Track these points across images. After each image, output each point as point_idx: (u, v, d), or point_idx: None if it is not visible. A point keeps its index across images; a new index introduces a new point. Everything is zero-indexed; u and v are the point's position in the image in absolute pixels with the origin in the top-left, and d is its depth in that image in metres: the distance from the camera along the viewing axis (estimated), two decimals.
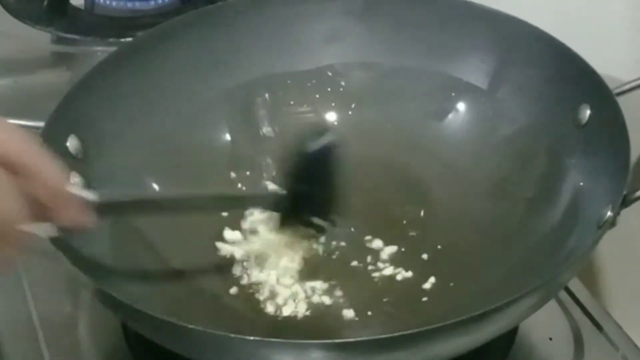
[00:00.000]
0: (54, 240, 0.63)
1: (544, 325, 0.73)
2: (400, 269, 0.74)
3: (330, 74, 0.86)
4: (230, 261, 0.75)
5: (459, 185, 0.80)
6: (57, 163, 0.56)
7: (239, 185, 0.81)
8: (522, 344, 0.72)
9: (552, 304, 0.74)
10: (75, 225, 0.58)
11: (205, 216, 0.75)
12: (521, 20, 0.80)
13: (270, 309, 0.71)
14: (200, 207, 0.73)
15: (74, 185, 0.60)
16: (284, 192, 0.75)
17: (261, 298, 0.72)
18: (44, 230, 0.59)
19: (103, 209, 0.61)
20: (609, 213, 0.66)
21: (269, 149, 0.83)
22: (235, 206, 0.77)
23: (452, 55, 0.83)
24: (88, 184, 0.72)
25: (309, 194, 0.74)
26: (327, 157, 0.75)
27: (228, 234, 0.76)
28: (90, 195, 0.59)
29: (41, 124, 0.72)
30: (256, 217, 0.77)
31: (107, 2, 1.09)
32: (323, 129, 0.79)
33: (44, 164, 0.55)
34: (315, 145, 0.74)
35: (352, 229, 0.77)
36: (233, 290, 0.73)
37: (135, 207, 0.68)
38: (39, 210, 0.55)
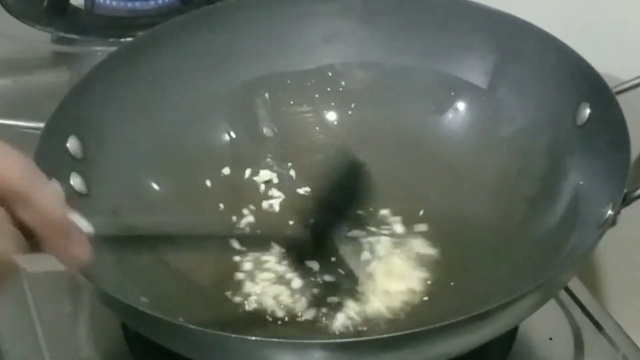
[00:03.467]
0: None
1: (544, 325, 0.73)
2: None
3: (330, 74, 0.86)
4: (232, 261, 0.75)
5: (458, 184, 0.80)
6: (53, 188, 0.51)
7: (239, 186, 0.81)
8: (522, 344, 0.72)
9: (552, 304, 0.74)
10: (69, 259, 0.52)
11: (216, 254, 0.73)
12: (521, 20, 0.80)
13: (269, 309, 0.72)
14: (211, 247, 0.68)
15: (72, 213, 0.52)
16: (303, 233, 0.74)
17: (262, 298, 0.72)
18: (38, 264, 0.52)
19: (102, 242, 0.54)
20: (610, 212, 0.66)
21: (269, 149, 0.83)
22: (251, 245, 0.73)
23: (452, 54, 0.83)
24: (88, 185, 0.72)
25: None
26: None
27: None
28: (86, 227, 0.53)
29: (41, 124, 0.72)
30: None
31: (107, 2, 1.09)
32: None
33: (38, 190, 0.49)
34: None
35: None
36: (233, 290, 0.73)
37: (137, 243, 0.61)
38: (32, 240, 0.50)
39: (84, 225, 0.53)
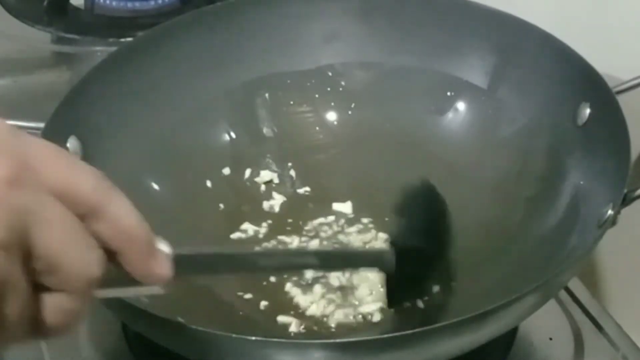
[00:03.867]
0: None
1: (544, 325, 0.73)
2: None
3: (330, 73, 0.86)
4: None
5: (458, 184, 0.80)
6: (129, 201, 0.47)
7: (239, 186, 0.81)
8: (522, 344, 0.72)
9: (552, 304, 0.74)
10: (150, 276, 0.47)
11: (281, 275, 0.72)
12: (521, 20, 0.80)
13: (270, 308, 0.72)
14: (283, 267, 0.64)
15: (148, 226, 0.47)
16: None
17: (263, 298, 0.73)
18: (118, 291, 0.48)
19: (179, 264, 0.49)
20: (610, 211, 0.66)
21: (269, 149, 0.83)
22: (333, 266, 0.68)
23: (452, 54, 0.83)
24: None
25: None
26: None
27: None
28: (165, 247, 0.48)
29: (41, 124, 0.72)
30: None
31: (107, 2, 1.09)
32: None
33: (115, 203, 0.46)
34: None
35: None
36: (234, 289, 0.73)
37: (211, 266, 0.55)
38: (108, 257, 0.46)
39: (165, 246, 0.48)
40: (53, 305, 0.44)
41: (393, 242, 0.71)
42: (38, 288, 0.43)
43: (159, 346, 0.63)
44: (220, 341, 0.59)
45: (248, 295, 0.72)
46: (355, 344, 0.59)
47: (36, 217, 0.42)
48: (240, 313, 0.71)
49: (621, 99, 0.72)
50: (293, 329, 0.70)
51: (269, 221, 0.79)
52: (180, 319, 0.62)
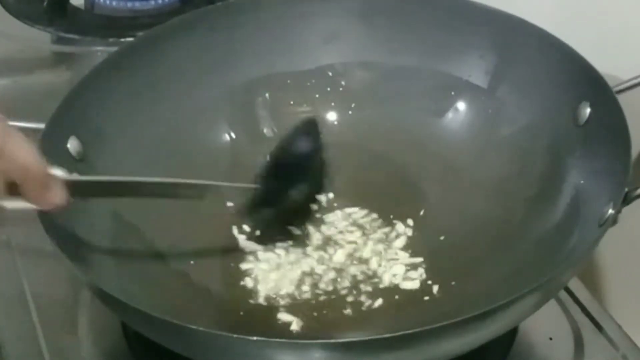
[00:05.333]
0: (53, 239, 0.63)
1: (544, 325, 0.73)
2: None
3: (330, 73, 0.86)
4: (233, 260, 0.75)
5: (459, 184, 0.80)
6: (26, 140, 0.57)
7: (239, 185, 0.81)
8: (522, 344, 0.72)
9: (552, 304, 0.74)
10: (46, 204, 0.60)
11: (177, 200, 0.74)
12: (521, 19, 0.80)
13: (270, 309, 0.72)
14: (171, 193, 0.72)
15: (43, 162, 0.59)
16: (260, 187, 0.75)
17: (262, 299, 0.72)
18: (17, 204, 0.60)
19: (73, 187, 0.62)
20: (610, 211, 0.66)
21: (269, 149, 0.83)
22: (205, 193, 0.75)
23: (452, 54, 0.83)
24: None
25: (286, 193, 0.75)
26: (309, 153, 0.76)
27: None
28: (58, 172, 0.60)
29: (41, 125, 0.72)
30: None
31: (107, 2, 1.09)
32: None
33: (14, 143, 0.56)
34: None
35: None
36: (235, 289, 0.73)
37: (105, 188, 0.68)
38: (10, 188, 0.58)
39: (59, 172, 0.60)
40: None
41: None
42: None
43: (159, 346, 0.63)
44: (221, 341, 0.59)
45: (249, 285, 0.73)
46: (356, 344, 0.59)
47: None
48: (241, 313, 0.71)
49: (621, 99, 0.72)
50: (295, 327, 0.70)
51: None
52: (180, 319, 0.61)
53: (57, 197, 0.60)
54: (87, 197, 0.68)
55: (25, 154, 0.57)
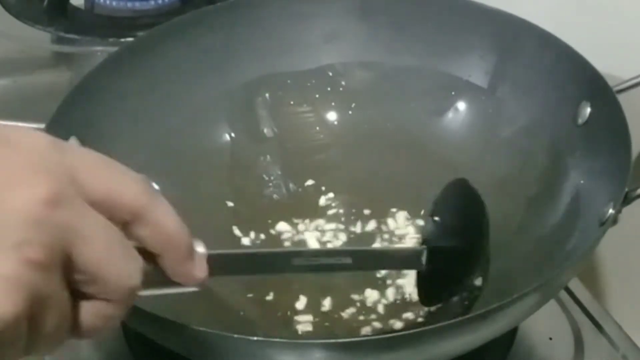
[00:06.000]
0: None
1: (544, 325, 0.73)
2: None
3: (330, 73, 0.86)
4: None
5: None
6: (170, 206, 0.48)
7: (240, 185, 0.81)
8: (522, 344, 0.72)
9: (552, 304, 0.74)
10: (189, 279, 0.49)
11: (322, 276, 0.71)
12: (521, 19, 0.80)
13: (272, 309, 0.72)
14: (316, 267, 0.61)
15: (189, 232, 0.49)
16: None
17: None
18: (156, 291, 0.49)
19: (214, 263, 0.51)
20: (611, 210, 0.66)
21: (269, 149, 0.83)
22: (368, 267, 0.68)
23: (452, 54, 0.83)
24: None
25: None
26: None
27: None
28: (200, 247, 0.50)
29: (41, 125, 0.72)
30: None
31: (107, 2, 1.09)
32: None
33: (157, 208, 0.47)
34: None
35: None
36: (234, 289, 0.73)
37: (244, 265, 0.57)
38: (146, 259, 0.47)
39: (200, 246, 0.50)
40: (92, 311, 0.44)
41: (425, 241, 0.71)
42: (78, 294, 0.44)
43: (159, 346, 0.63)
44: (221, 341, 0.59)
45: (250, 294, 0.73)
46: (356, 344, 0.59)
47: (77, 234, 0.42)
48: (241, 313, 0.71)
49: (622, 98, 0.72)
50: (300, 327, 0.70)
51: (269, 221, 0.79)
52: (180, 319, 0.61)
53: (200, 270, 0.49)
54: (228, 274, 0.56)
55: (171, 220, 0.47)
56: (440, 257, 0.66)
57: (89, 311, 0.44)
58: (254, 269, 0.58)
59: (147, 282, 0.47)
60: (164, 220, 0.47)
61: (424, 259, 0.66)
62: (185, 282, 0.49)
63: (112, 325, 0.46)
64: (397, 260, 0.68)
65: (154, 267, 0.48)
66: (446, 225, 0.69)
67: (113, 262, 0.44)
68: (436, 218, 0.70)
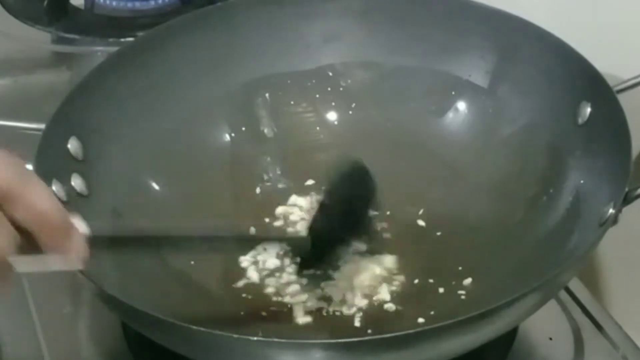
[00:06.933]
0: None
1: (544, 325, 0.73)
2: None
3: (330, 73, 0.86)
4: (233, 260, 0.75)
5: (458, 184, 0.80)
6: (46, 186, 0.52)
7: (239, 186, 0.81)
8: (522, 344, 0.72)
9: (552, 304, 0.74)
10: (66, 257, 0.53)
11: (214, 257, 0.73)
12: (521, 19, 0.80)
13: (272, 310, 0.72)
14: (208, 248, 0.66)
15: (71, 215, 0.53)
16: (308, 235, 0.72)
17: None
18: (34, 264, 0.53)
19: (98, 243, 0.55)
20: (611, 210, 0.66)
21: (269, 149, 0.83)
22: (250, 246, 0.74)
23: (452, 54, 0.83)
24: (89, 186, 0.72)
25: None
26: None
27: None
28: (84, 228, 0.54)
29: (41, 125, 0.72)
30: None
31: (107, 2, 1.09)
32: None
33: (31, 188, 0.51)
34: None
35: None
36: (235, 289, 0.73)
37: (134, 244, 0.61)
38: (27, 239, 0.51)
39: (82, 226, 0.54)
40: None
41: (311, 227, 0.72)
42: None
43: (159, 346, 0.63)
44: (221, 341, 0.59)
45: (249, 295, 0.73)
46: (357, 344, 0.59)
47: None
48: (241, 313, 0.71)
49: (622, 98, 0.72)
50: (299, 320, 0.70)
51: (267, 220, 0.79)
52: (181, 319, 0.61)
53: (77, 249, 0.53)
54: (115, 254, 0.62)
55: (44, 200, 0.51)
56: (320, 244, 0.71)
57: None
58: (140, 250, 0.62)
59: (27, 260, 0.51)
60: (36, 200, 0.51)
61: (306, 245, 0.71)
62: (64, 260, 0.53)
63: None
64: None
65: (34, 245, 0.51)
66: (332, 206, 0.72)
67: None
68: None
